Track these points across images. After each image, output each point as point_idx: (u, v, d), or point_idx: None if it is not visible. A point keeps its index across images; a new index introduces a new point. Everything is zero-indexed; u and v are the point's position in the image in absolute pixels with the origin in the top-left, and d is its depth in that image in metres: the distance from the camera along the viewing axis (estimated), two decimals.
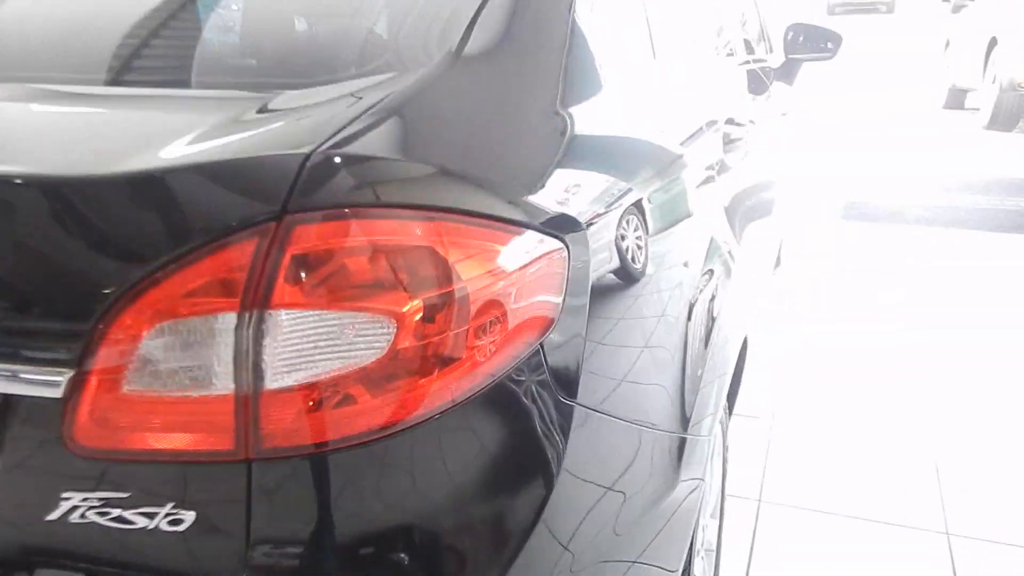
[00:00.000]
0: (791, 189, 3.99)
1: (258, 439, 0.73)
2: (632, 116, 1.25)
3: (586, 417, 0.93)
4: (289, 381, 0.72)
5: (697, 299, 1.29)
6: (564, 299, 0.91)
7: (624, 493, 1.02)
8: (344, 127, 0.79)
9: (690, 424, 1.23)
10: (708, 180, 1.47)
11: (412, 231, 0.77)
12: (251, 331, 0.71)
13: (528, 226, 0.87)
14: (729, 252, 1.63)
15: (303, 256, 0.72)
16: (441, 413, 0.78)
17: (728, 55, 2.54)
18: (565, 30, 1.09)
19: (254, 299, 0.71)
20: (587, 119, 1.08)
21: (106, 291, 0.72)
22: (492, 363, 0.82)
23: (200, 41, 1.17)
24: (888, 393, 2.93)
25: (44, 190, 0.76)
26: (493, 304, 0.82)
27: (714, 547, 1.85)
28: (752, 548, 2.12)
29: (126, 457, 0.75)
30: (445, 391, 0.78)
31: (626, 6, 1.44)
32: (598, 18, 1.22)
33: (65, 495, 0.77)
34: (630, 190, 1.11)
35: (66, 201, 0.75)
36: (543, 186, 0.93)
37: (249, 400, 0.72)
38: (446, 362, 0.78)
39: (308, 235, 0.73)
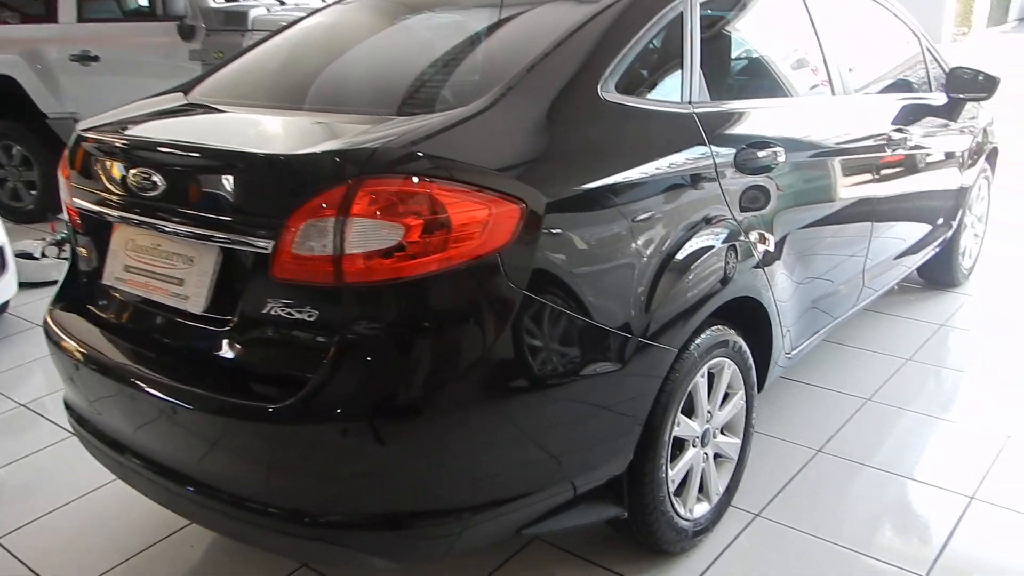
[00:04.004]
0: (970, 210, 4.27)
1: (341, 276, 1.62)
2: (616, 134, 2.00)
3: (528, 299, 1.72)
4: (355, 250, 1.60)
5: (665, 255, 2.01)
6: (518, 231, 1.70)
7: (561, 356, 1.80)
8: (401, 136, 1.68)
9: (641, 332, 1.94)
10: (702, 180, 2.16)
11: (421, 186, 1.63)
12: (340, 227, 1.60)
13: (492, 189, 1.68)
14: (749, 230, 2.30)
15: (367, 194, 1.60)
16: (428, 277, 1.62)
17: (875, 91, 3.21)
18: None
19: (342, 211, 1.60)
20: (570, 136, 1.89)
21: (286, 207, 1.65)
22: (464, 256, 1.65)
23: (353, 85, 2.18)
24: None
25: (266, 161, 1.72)
26: (467, 227, 1.65)
27: (734, 459, 2.48)
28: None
29: (292, 282, 1.68)
30: (431, 265, 1.62)
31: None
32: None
33: (268, 300, 1.71)
34: (605, 178, 1.88)
35: (274, 167, 1.70)
36: (512, 171, 1.74)
37: (337, 258, 1.61)
38: (434, 251, 1.62)
39: (371, 184, 1.61)
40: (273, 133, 1.98)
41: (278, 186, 1.72)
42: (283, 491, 1.76)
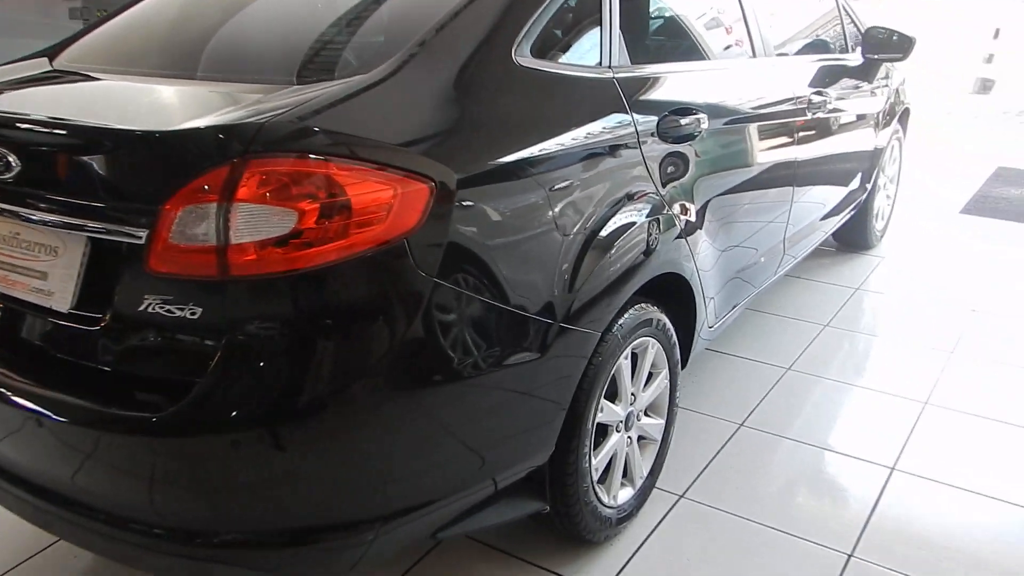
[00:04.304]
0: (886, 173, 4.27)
1: (227, 269, 1.43)
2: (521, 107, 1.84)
3: (439, 287, 1.56)
4: (241, 239, 1.42)
5: (585, 233, 1.86)
6: (428, 213, 1.54)
7: (477, 347, 1.65)
8: (293, 108, 1.48)
9: (562, 317, 1.81)
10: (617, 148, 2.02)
11: (317, 165, 1.44)
12: (224, 213, 1.41)
13: (397, 167, 1.51)
14: (672, 201, 2.19)
15: (254, 174, 1.41)
16: (327, 268, 1.45)
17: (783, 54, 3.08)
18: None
19: (225, 195, 1.41)
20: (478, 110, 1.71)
21: (162, 192, 1.45)
22: (367, 243, 1.48)
23: (251, 47, 1.95)
24: None
25: (138, 139, 1.50)
26: (369, 210, 1.48)
27: (658, 440, 2.39)
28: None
29: (171, 276, 1.48)
30: (330, 254, 1.45)
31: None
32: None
33: (145, 296, 1.51)
34: (521, 151, 1.73)
35: (147, 145, 1.49)
36: (420, 146, 1.57)
37: (222, 249, 1.42)
38: (332, 239, 1.45)
39: (258, 164, 1.42)
40: (150, 106, 1.76)
41: (152, 167, 1.50)
42: (169, 509, 1.58)
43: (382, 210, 1.49)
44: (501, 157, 1.70)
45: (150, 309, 1.51)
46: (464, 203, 1.60)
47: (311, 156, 1.45)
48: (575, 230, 1.85)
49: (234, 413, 1.46)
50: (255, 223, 1.42)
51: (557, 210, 1.80)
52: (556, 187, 1.81)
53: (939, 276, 4.12)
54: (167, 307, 1.50)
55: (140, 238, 1.47)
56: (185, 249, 1.45)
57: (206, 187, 1.42)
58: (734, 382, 3.07)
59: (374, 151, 1.51)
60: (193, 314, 1.48)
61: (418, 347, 1.56)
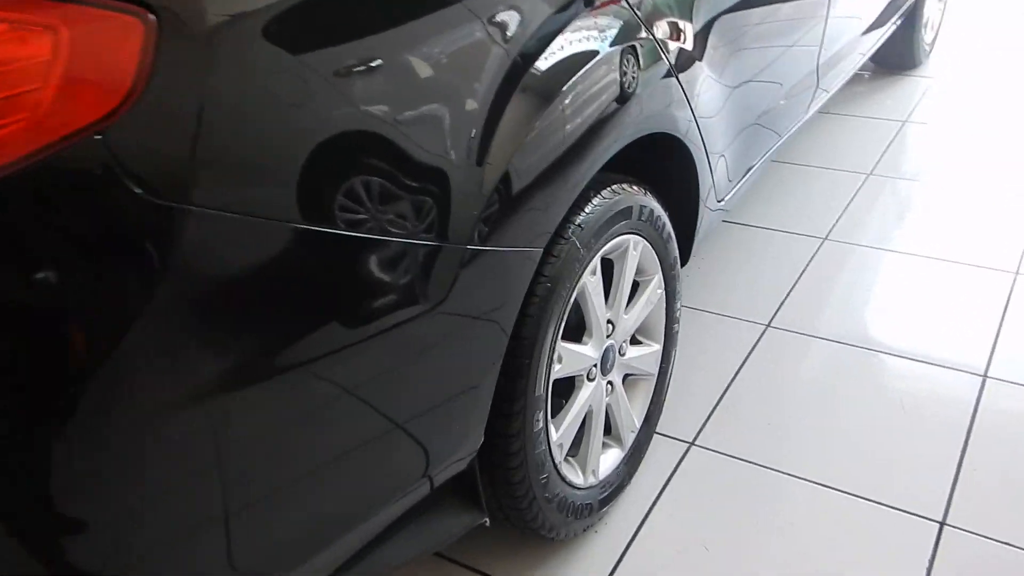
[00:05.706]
0: None
1: None
2: None
3: (189, 217, 0.80)
4: None
5: (498, 84, 1.08)
6: (150, 77, 0.77)
7: (291, 311, 0.91)
8: None
9: (463, 235, 1.05)
10: None
11: None
12: None
13: None
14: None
15: None
16: None
17: None
18: None
19: None
20: None
21: None
22: (9, 154, 0.72)
23: None
24: None
25: None
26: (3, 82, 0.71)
27: (654, 373, 1.67)
28: None
29: None
30: None
31: None
32: None
33: None
34: None
35: None
36: None
37: None
38: None
39: None
40: None
41: None
42: None
43: (31, 81, 0.72)
44: None
45: None
46: (234, 51, 0.82)
47: None
48: (476, 82, 1.06)
49: None
50: None
51: (434, 50, 1.01)
52: (427, 8, 1.01)
53: (1004, 100, 3.26)
54: None
55: None
56: None
57: None
58: (754, 263, 2.31)
59: None
60: None
61: (154, 335, 0.81)
